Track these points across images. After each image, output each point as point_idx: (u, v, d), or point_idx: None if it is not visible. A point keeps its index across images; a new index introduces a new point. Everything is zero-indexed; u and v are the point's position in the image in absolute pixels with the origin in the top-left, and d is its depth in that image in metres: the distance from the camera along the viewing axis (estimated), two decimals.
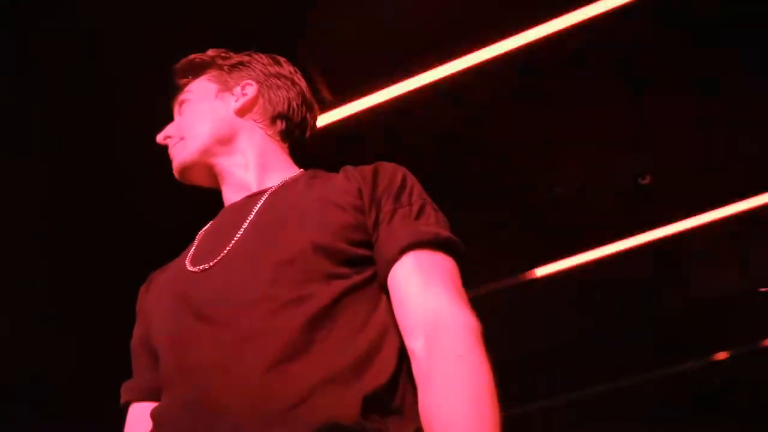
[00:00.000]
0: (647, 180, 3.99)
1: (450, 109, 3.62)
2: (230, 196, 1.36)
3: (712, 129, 3.86)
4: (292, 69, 1.47)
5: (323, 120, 3.37)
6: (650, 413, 5.33)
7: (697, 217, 4.25)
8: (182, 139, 1.38)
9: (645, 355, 5.26)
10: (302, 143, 1.45)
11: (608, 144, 3.96)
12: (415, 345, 1.05)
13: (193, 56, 1.45)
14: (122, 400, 1.27)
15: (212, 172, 1.38)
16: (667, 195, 4.20)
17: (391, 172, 1.24)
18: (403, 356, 1.07)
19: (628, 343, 5.22)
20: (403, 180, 1.23)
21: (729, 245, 4.65)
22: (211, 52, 1.45)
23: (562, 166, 4.14)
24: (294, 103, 1.43)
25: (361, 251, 1.14)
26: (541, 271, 4.67)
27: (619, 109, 3.72)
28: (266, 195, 1.27)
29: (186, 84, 1.44)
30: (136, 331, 1.31)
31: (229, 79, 1.42)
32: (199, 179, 1.41)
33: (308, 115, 1.46)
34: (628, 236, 4.40)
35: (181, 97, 1.43)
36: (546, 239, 4.54)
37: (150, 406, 1.19)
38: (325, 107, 3.38)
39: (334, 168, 1.34)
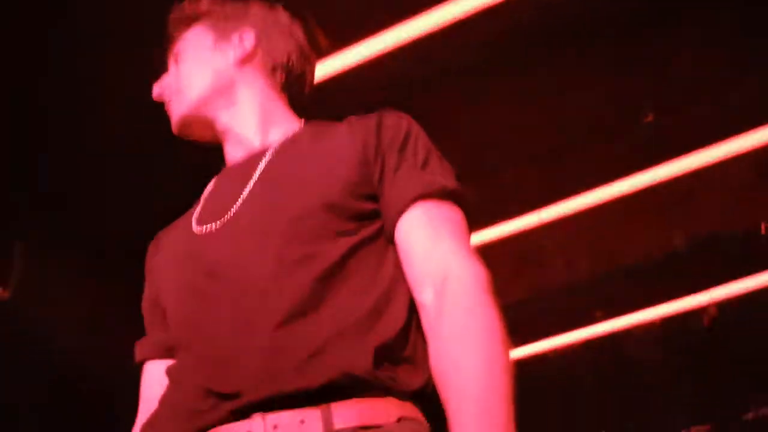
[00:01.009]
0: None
1: (449, 53, 3.57)
2: (232, 152, 1.33)
3: None
4: (289, 19, 1.42)
5: (320, 68, 3.32)
6: None
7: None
8: (179, 92, 1.34)
9: None
10: (301, 96, 1.41)
11: None
12: (425, 297, 1.05)
13: (186, 5, 1.40)
14: (137, 359, 1.28)
15: (212, 127, 1.34)
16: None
17: (396, 122, 1.21)
18: (412, 308, 1.08)
19: None
20: (408, 130, 1.20)
21: None
22: (205, 1, 1.40)
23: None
24: (293, 55, 1.38)
25: (368, 206, 1.14)
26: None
27: None
28: (270, 152, 1.25)
29: (180, 35, 1.39)
30: (147, 291, 1.31)
31: (225, 29, 1.36)
32: (199, 134, 1.37)
33: (307, 68, 1.42)
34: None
35: (176, 48, 1.39)
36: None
37: (165, 363, 1.19)
38: (321, 54, 3.33)
39: (333, 116, 1.32)
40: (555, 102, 4.08)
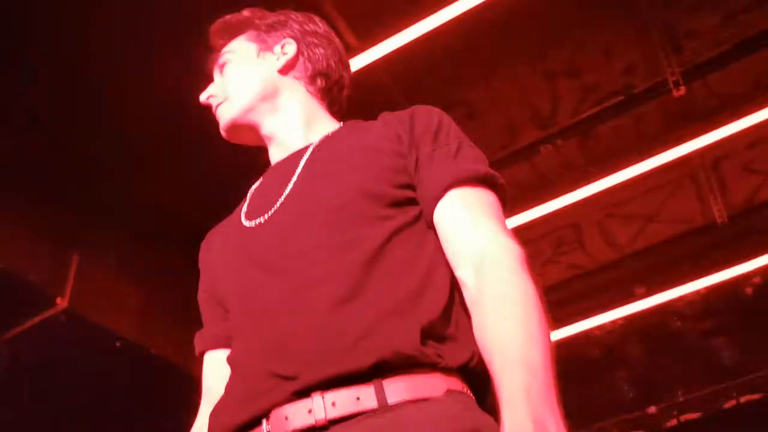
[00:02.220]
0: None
1: (476, 47, 3.58)
2: (276, 154, 1.42)
3: None
4: (327, 27, 1.50)
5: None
6: None
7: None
8: (227, 98, 1.43)
9: None
10: (339, 101, 1.49)
11: None
12: (465, 274, 1.12)
13: (228, 17, 1.48)
14: (197, 350, 1.35)
15: (257, 131, 1.43)
16: None
17: (427, 114, 1.29)
18: (454, 287, 1.15)
19: None
20: (440, 121, 1.27)
21: None
22: (246, 12, 1.48)
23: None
24: (332, 61, 1.46)
25: (405, 193, 1.20)
26: None
27: None
28: (310, 149, 1.32)
29: (222, 45, 1.48)
30: (202, 286, 1.39)
31: (267, 39, 1.45)
32: (246, 138, 1.46)
33: (344, 73, 1.49)
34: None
35: (222, 57, 1.46)
36: None
37: (224, 352, 1.27)
38: (350, 53, 3.38)
39: (366, 114, 1.40)
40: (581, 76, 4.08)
